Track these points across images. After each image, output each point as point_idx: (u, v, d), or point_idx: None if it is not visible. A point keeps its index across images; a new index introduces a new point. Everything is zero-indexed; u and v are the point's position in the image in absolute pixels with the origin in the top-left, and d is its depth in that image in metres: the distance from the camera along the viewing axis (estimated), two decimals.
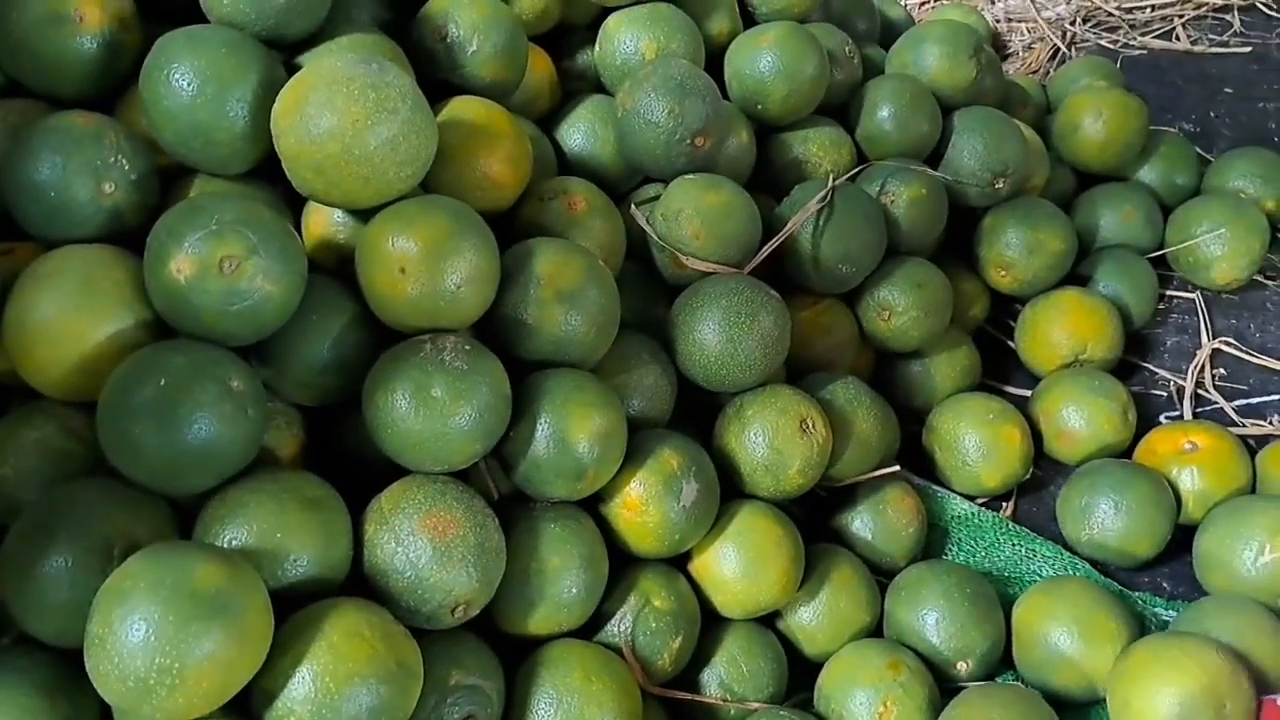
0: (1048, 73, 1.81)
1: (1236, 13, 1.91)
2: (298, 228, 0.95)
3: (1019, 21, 1.94)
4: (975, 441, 1.22)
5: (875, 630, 1.08)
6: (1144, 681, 0.94)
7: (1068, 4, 1.96)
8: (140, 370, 0.77)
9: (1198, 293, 1.47)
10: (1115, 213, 1.45)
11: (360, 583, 0.83)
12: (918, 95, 1.32)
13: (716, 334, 1.03)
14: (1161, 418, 1.34)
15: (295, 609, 0.78)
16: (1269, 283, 1.48)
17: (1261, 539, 1.07)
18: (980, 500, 1.24)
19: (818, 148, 1.28)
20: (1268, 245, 1.42)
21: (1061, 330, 1.32)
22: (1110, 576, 1.16)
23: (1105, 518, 1.15)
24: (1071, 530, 1.19)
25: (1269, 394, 1.36)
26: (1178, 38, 1.87)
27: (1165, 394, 1.37)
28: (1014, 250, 1.34)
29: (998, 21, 1.92)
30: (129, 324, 0.82)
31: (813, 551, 1.08)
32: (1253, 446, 1.25)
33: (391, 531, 0.82)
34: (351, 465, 0.93)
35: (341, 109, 0.82)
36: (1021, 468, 1.23)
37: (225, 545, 0.78)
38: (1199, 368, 1.38)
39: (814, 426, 1.04)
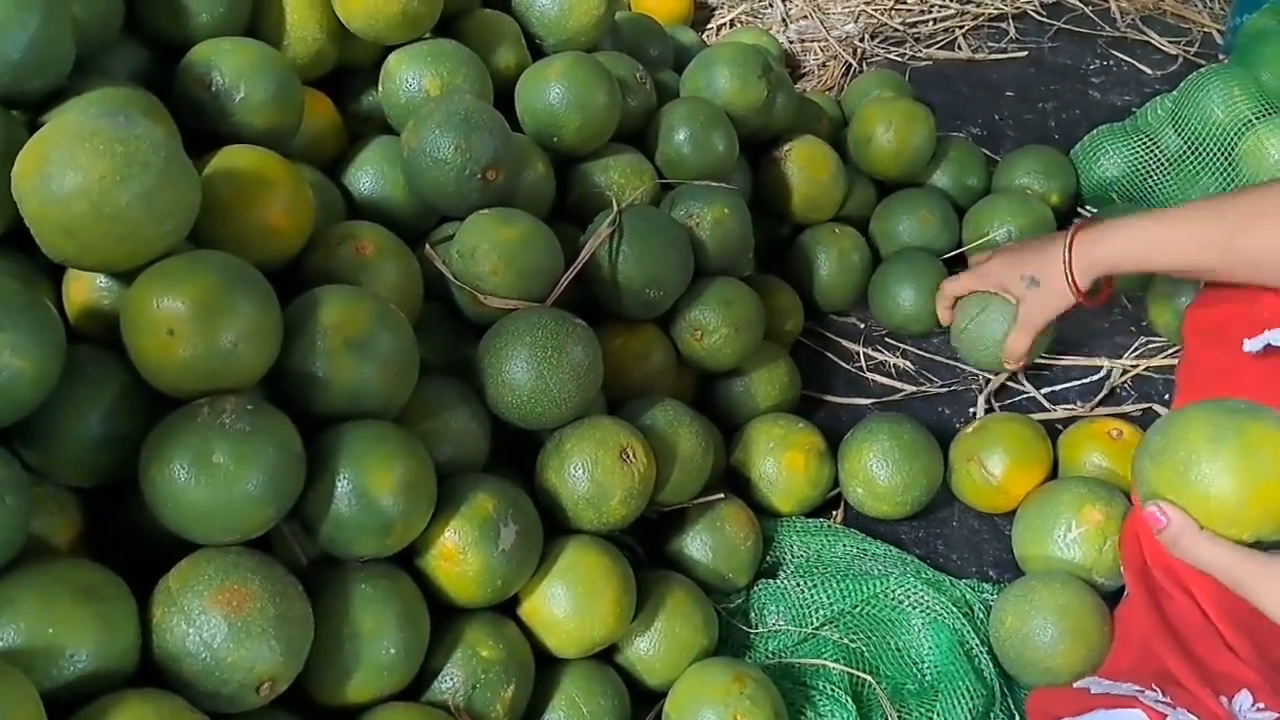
0: (842, 88, 1.87)
1: (1011, 21, 2.01)
2: (60, 297, 0.89)
3: (812, 41, 2.00)
4: (766, 470, 1.23)
5: (713, 653, 1.07)
6: None
7: (856, 22, 2.03)
8: None
9: None
10: (913, 217, 1.50)
11: (153, 672, 0.77)
12: (712, 116, 1.33)
13: (525, 371, 1.00)
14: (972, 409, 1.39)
15: (77, 709, 0.71)
16: None
17: (1069, 516, 1.12)
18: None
19: (618, 175, 1.28)
20: None
21: None
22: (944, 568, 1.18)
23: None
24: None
25: (1070, 380, 1.42)
26: (960, 47, 1.96)
27: (978, 387, 1.41)
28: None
29: (790, 43, 1.98)
30: None
31: (644, 579, 1.06)
32: (1059, 429, 1.30)
33: (181, 612, 0.76)
34: (141, 546, 0.86)
35: (86, 166, 0.76)
36: (815, 490, 1.24)
37: None
38: None
39: (634, 455, 1.02)
